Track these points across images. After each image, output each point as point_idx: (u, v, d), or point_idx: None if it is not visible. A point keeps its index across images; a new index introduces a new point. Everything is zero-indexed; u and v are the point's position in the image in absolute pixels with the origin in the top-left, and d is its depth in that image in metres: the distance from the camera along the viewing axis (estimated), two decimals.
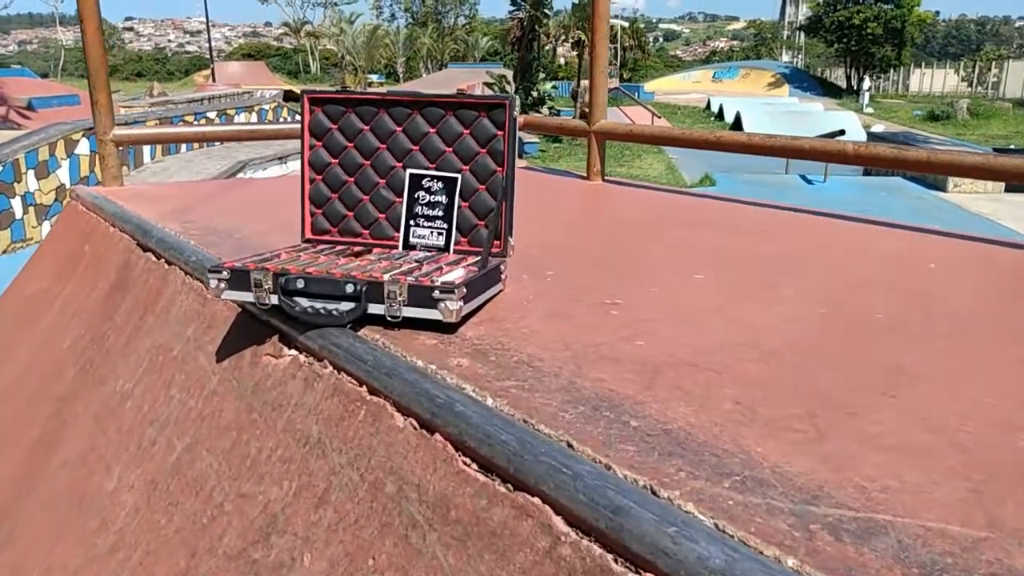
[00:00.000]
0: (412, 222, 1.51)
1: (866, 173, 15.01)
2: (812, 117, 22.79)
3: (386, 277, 1.24)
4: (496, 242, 1.49)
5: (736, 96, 32.31)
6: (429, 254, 1.47)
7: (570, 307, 1.36)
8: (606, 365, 1.09)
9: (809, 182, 12.47)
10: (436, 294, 1.19)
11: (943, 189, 11.75)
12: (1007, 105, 31.55)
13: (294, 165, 11.64)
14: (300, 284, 1.24)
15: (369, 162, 1.53)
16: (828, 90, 43.59)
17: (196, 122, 11.71)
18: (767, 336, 1.20)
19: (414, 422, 1.01)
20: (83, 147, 9.27)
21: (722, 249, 1.82)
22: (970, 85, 43.47)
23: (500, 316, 1.31)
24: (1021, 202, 10.73)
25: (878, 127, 23.44)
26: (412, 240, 1.51)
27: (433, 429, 0.97)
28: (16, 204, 8.38)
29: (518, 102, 1.50)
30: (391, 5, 65.88)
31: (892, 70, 45.14)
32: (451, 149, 1.49)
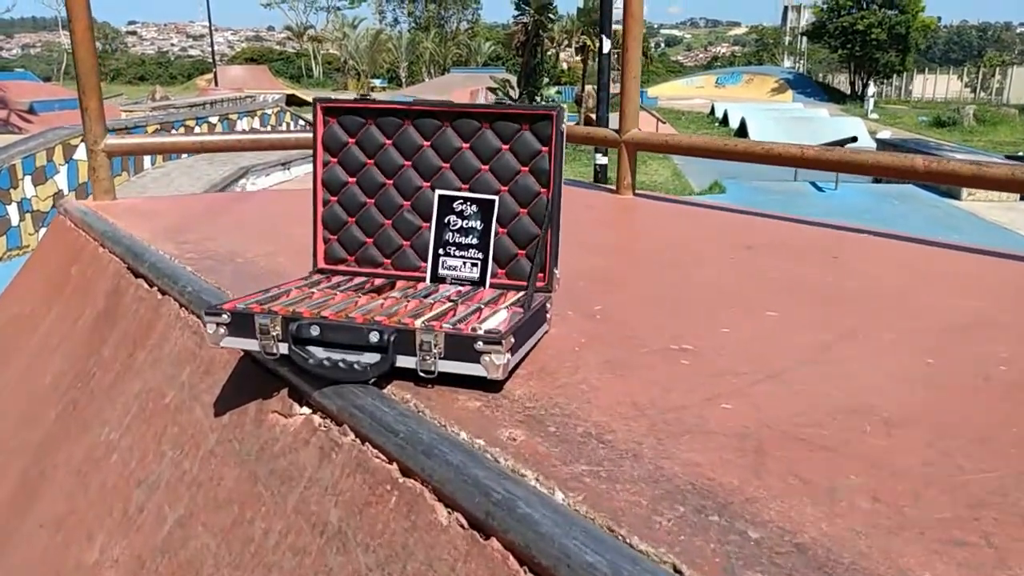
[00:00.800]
0: (442, 251, 1.30)
1: (876, 180, 14.81)
2: (818, 123, 22.57)
3: (418, 324, 1.04)
4: (540, 275, 1.29)
5: (740, 102, 32.11)
6: (462, 288, 1.26)
7: (631, 354, 1.16)
8: (695, 440, 0.88)
9: (820, 189, 12.25)
10: (479, 345, 0.99)
11: (957, 197, 11.53)
12: (1013, 111, 31.33)
13: (297, 171, 11.46)
14: (315, 331, 1.03)
15: (392, 181, 1.32)
16: (832, 96, 43.41)
17: (198, 126, 11.51)
18: (880, 398, 1.00)
19: (462, 519, 0.80)
20: (82, 152, 9.07)
21: (789, 278, 1.61)
22: (973, 91, 43.31)
23: (551, 367, 1.10)
24: None
25: (884, 133, 23.23)
26: (441, 272, 1.30)
27: (488, 533, 0.76)
28: (12, 211, 8.18)
29: (566, 113, 1.30)
30: (394, 9, 65.80)
31: (895, 76, 44.98)
32: (487, 167, 1.28)
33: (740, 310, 1.39)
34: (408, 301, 1.17)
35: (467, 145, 1.29)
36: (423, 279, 1.31)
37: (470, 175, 1.29)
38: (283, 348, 1.05)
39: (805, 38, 58.41)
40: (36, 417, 1.67)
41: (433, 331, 1.00)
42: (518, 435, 0.89)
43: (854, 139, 14.21)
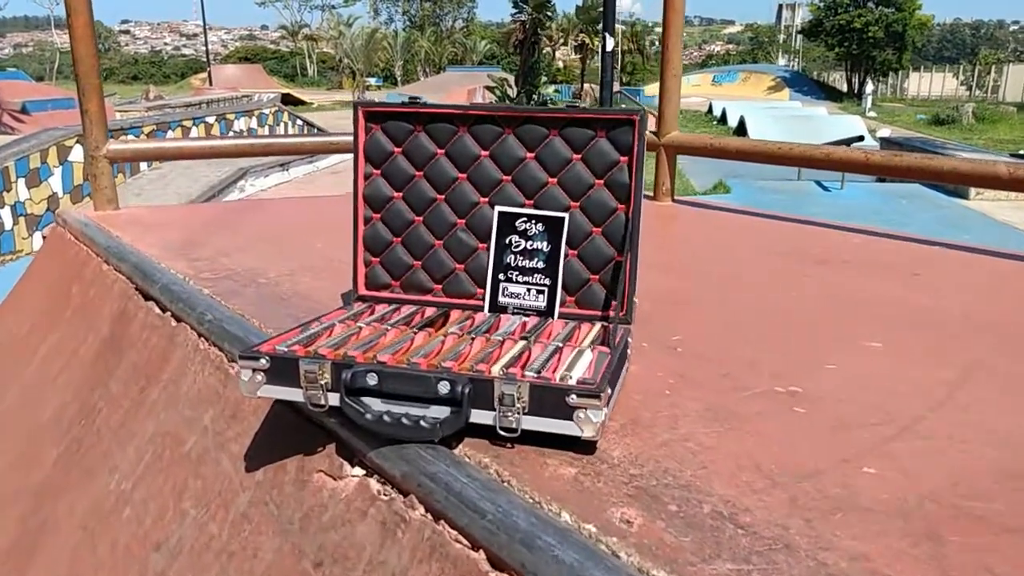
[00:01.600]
0: (502, 276, 1.14)
1: (880, 180, 14.68)
2: (818, 121, 22.42)
3: (495, 371, 0.87)
4: (612, 302, 1.12)
5: (737, 100, 31.96)
6: (526, 320, 1.10)
7: (733, 400, 0.99)
8: (851, 521, 0.72)
9: (826, 189, 12.11)
10: (572, 399, 0.82)
11: (965, 197, 11.40)
12: (1012, 109, 31.27)
13: (296, 172, 11.28)
14: (372, 381, 0.87)
15: (443, 196, 1.16)
16: (829, 94, 43.31)
17: (195, 127, 11.31)
18: None
19: None
20: (77, 153, 8.88)
21: (876, 299, 1.45)
22: (969, 89, 43.26)
23: (644, 417, 0.94)
24: None
25: (884, 131, 23.10)
26: (502, 300, 1.14)
27: None
28: (5, 214, 7.98)
29: (649, 118, 1.14)
30: (388, 8, 65.53)
31: (892, 74, 44.91)
32: (555, 180, 1.12)
33: (837, 340, 1.23)
34: (472, 339, 1.00)
35: (532, 155, 1.12)
36: (480, 308, 1.15)
37: (535, 189, 1.12)
38: (333, 399, 0.88)
39: (800, 36, 58.40)
40: (35, 457, 1.50)
41: (515, 381, 0.83)
42: (633, 516, 0.73)
43: (860, 138, 14.06)
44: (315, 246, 1.87)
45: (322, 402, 0.89)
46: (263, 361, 0.90)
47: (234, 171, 9.86)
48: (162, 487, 1.17)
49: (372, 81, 48.84)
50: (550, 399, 0.83)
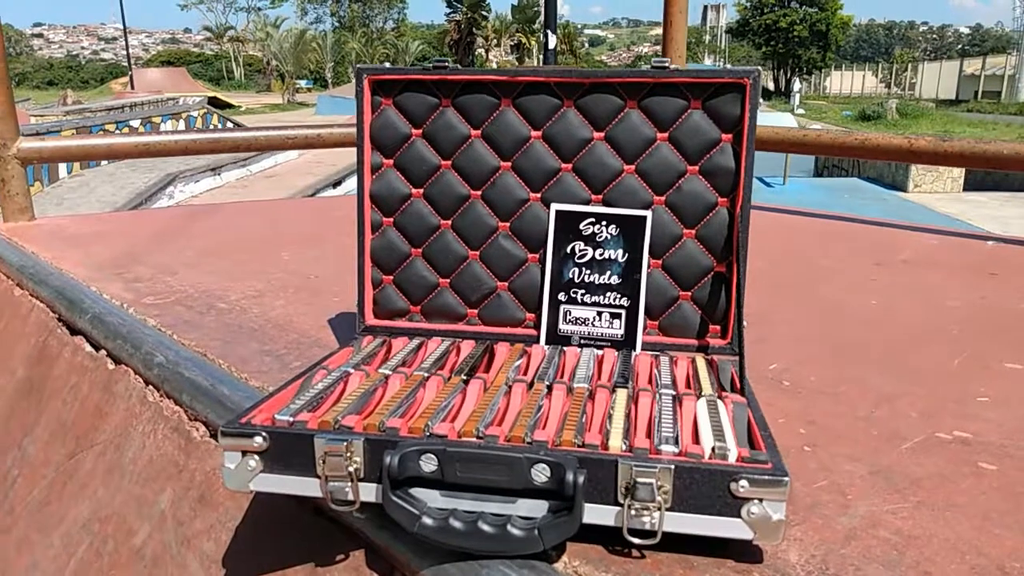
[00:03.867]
0: (563, 296, 0.86)
1: (818, 174, 14.89)
2: None
3: (615, 444, 0.60)
4: (713, 326, 0.86)
5: None
6: (598, 352, 0.82)
7: (897, 455, 0.74)
8: None
9: (768, 184, 12.15)
10: (742, 487, 0.55)
11: (903, 189, 11.57)
12: (931, 105, 32.44)
13: (228, 176, 10.74)
14: (430, 466, 0.58)
15: (480, 192, 0.87)
16: None
17: (118, 130, 10.66)
18: None
19: None
20: None
21: (972, 306, 1.22)
22: (888, 86, 44.76)
23: (799, 492, 0.68)
24: (983, 201, 10.60)
25: (816, 127, 23.58)
26: (564, 328, 0.86)
27: None
28: None
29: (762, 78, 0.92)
30: (316, 9, 64.25)
31: (817, 72, 46.16)
32: (633, 167, 0.85)
33: (966, 360, 0.99)
34: (550, 389, 0.72)
35: (601, 134, 0.85)
36: (534, 339, 0.87)
37: (606, 181, 0.85)
38: (368, 492, 0.59)
39: (726, 37, 59.65)
40: None
41: (652, 462, 0.56)
42: None
43: None
44: (280, 258, 1.55)
45: (350, 498, 0.60)
46: (259, 439, 0.60)
47: (162, 176, 9.29)
48: None
49: (303, 83, 47.75)
50: (704, 488, 0.56)
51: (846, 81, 47.17)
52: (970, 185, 11.63)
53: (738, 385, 0.75)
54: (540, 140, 0.85)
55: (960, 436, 0.78)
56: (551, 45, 11.22)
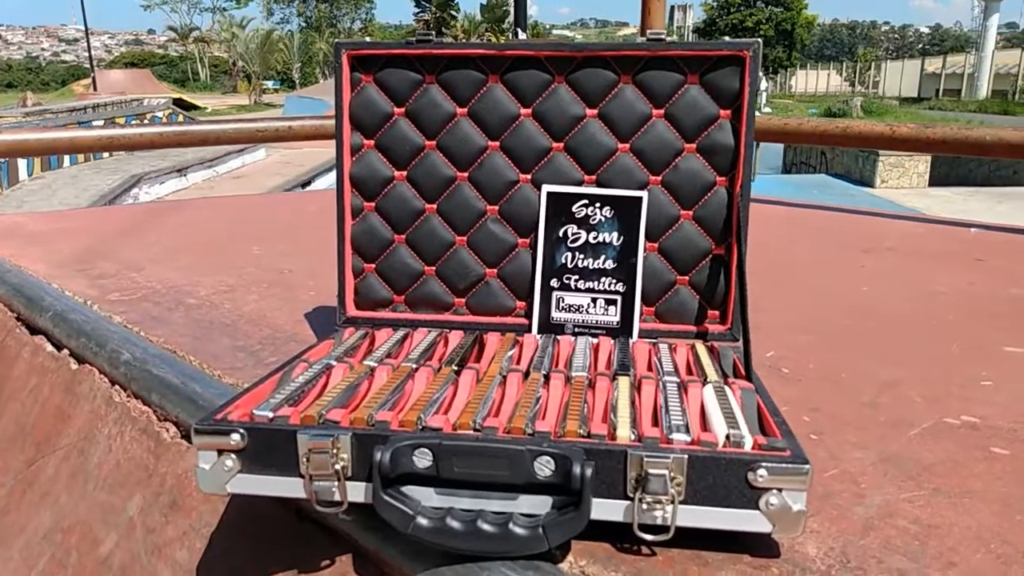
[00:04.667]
0: (556, 282, 0.82)
1: (786, 171, 15.04)
2: None
3: (623, 434, 0.56)
4: (712, 311, 0.82)
5: None
6: (593, 341, 0.78)
7: (906, 442, 0.71)
8: None
9: None
10: (760, 476, 0.51)
11: (871, 185, 11.71)
12: (894, 103, 32.92)
13: (195, 177, 10.56)
14: (424, 461, 0.53)
15: (467, 174, 0.83)
16: None
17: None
18: None
19: None
20: None
21: (961, 292, 1.21)
22: (852, 85, 45.40)
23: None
24: (948, 196, 10.77)
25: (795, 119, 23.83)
26: (557, 316, 0.82)
27: None
28: None
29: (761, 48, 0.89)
30: (283, 9, 63.59)
31: (782, 71, 46.68)
32: (627, 146, 0.81)
33: (962, 345, 0.96)
34: (547, 379, 0.68)
35: (594, 111, 0.81)
36: (525, 328, 0.82)
37: (599, 160, 0.81)
38: (357, 492, 0.55)
39: (693, 37, 60.16)
40: None
41: (665, 451, 0.52)
42: None
43: None
44: (251, 252, 1.49)
45: (337, 498, 0.55)
46: (236, 437, 0.55)
47: (127, 178, 9.09)
48: None
49: (269, 84, 47.25)
50: (720, 478, 0.52)
51: (811, 80, 47.75)
52: (935, 180, 11.80)
53: (742, 371, 0.71)
54: (530, 118, 0.81)
55: (968, 421, 0.76)
56: None
